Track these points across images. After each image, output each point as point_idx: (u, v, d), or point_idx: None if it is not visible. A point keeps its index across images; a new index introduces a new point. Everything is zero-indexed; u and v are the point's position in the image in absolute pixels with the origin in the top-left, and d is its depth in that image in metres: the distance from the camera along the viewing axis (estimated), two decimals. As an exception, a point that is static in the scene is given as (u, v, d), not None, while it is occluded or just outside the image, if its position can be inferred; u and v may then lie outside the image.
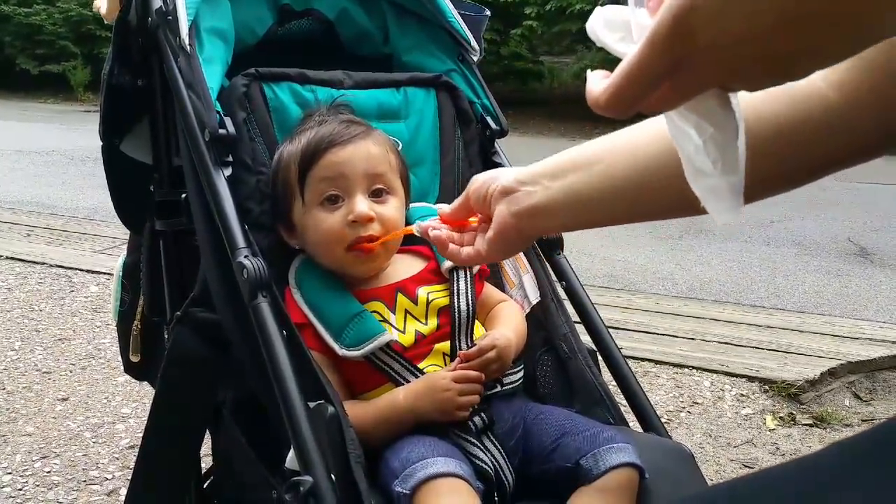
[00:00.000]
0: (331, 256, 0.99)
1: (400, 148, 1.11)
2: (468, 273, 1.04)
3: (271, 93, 1.08)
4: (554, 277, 1.17)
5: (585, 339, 1.12)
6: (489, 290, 1.10)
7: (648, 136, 0.69)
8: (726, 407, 2.21)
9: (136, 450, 1.09)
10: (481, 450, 0.91)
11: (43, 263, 3.31)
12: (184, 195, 1.08)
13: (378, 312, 0.98)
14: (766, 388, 2.30)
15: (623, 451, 0.87)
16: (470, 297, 1.02)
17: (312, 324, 0.96)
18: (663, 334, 2.67)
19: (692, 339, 2.64)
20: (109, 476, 1.78)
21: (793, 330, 2.73)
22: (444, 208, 0.85)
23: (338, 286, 1.00)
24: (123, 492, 1.60)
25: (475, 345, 0.96)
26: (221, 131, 0.98)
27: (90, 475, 1.78)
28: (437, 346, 0.99)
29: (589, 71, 0.48)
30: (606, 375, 1.10)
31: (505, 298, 1.11)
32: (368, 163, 0.99)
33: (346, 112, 1.07)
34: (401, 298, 1.00)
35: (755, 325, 2.79)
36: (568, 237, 1.18)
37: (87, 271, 3.22)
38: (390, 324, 0.98)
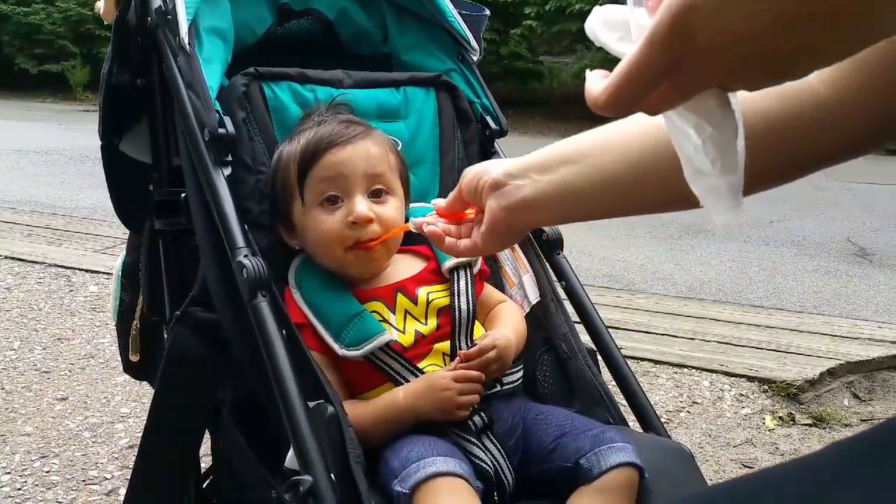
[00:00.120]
0: (330, 257, 0.99)
1: (400, 148, 1.11)
2: (469, 273, 1.04)
3: (271, 92, 1.08)
4: (554, 277, 1.17)
5: (585, 338, 1.12)
6: (489, 290, 1.09)
7: (640, 129, 0.69)
8: (726, 407, 2.22)
9: (136, 449, 1.09)
10: (481, 449, 0.91)
11: (42, 263, 3.31)
12: (183, 195, 1.08)
13: (378, 312, 0.98)
14: (766, 387, 2.30)
15: (623, 451, 0.87)
16: (470, 297, 1.02)
17: (312, 324, 0.96)
18: (663, 334, 2.67)
19: (692, 338, 2.64)
20: (108, 476, 1.78)
21: (792, 330, 2.74)
22: (440, 202, 0.85)
23: (337, 286, 1.00)
24: (122, 491, 1.60)
25: (475, 345, 0.96)
26: (221, 131, 0.98)
27: (89, 475, 1.78)
28: (436, 346, 0.99)
29: (588, 71, 0.47)
30: (606, 375, 1.10)
31: (505, 299, 1.11)
32: (368, 163, 0.99)
33: (346, 111, 1.07)
34: (401, 298, 1.00)
35: (754, 325, 2.79)
36: (568, 237, 1.18)
37: (87, 271, 3.22)
38: (390, 324, 0.98)
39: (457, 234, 0.83)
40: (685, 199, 0.52)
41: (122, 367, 1.35)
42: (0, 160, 5.94)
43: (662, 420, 1.08)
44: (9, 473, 1.77)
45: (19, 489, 1.71)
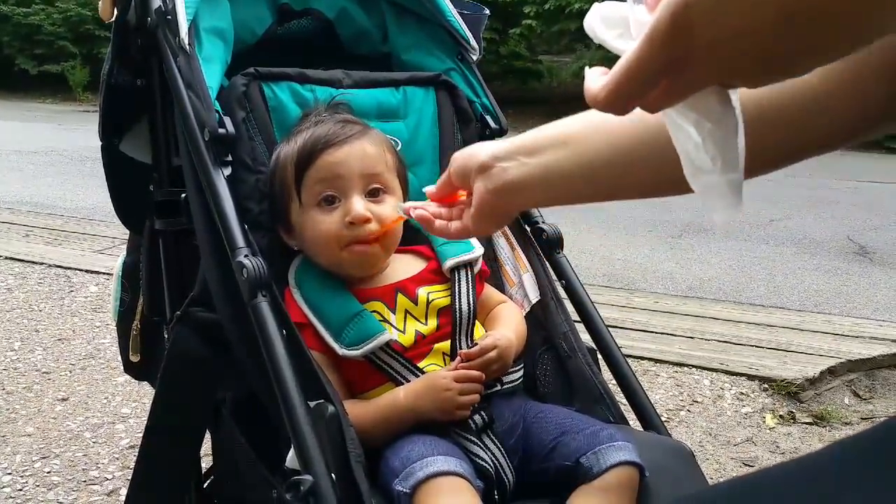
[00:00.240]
0: (328, 256, 0.99)
1: (399, 147, 1.11)
2: (469, 273, 1.04)
3: (270, 92, 1.08)
4: (554, 276, 1.17)
5: (585, 337, 1.12)
6: (489, 290, 1.10)
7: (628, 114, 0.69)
8: (726, 405, 2.22)
9: (136, 450, 1.09)
10: (481, 448, 0.91)
11: (42, 263, 3.31)
12: (183, 195, 1.08)
13: (378, 312, 0.98)
14: (766, 386, 2.30)
15: (623, 450, 0.87)
16: (471, 297, 1.02)
17: (312, 323, 0.96)
18: (663, 333, 2.67)
19: (692, 337, 2.64)
20: (109, 476, 1.78)
21: (792, 328, 2.74)
22: (431, 188, 0.85)
23: (337, 286, 1.00)
24: (123, 492, 1.60)
25: (476, 345, 0.96)
26: (221, 131, 0.98)
27: (90, 475, 1.78)
28: (436, 345, 0.99)
29: (587, 68, 0.47)
30: (606, 374, 1.10)
31: (505, 299, 1.11)
32: (364, 163, 0.99)
33: (345, 111, 1.07)
34: (401, 298, 1.00)
35: (755, 323, 2.79)
36: (567, 236, 1.18)
37: (87, 271, 3.22)
38: (390, 324, 0.98)
39: (448, 216, 0.83)
40: (672, 184, 0.51)
41: (122, 367, 1.35)
42: None
43: (663, 419, 1.08)
44: (10, 474, 1.77)
45: (20, 490, 1.71)
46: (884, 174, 6.49)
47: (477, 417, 0.93)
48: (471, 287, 1.03)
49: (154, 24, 1.05)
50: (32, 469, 1.80)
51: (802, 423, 2.14)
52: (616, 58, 0.44)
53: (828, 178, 5.97)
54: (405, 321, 0.99)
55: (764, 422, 2.13)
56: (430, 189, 0.85)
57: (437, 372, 0.94)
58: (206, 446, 1.13)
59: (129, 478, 1.10)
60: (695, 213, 4.59)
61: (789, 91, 0.60)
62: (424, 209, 0.84)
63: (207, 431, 1.10)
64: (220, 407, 1.05)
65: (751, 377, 2.34)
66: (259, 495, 0.93)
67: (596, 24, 0.46)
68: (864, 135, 0.63)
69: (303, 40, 1.25)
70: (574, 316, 1.14)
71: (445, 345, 0.99)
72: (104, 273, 3.15)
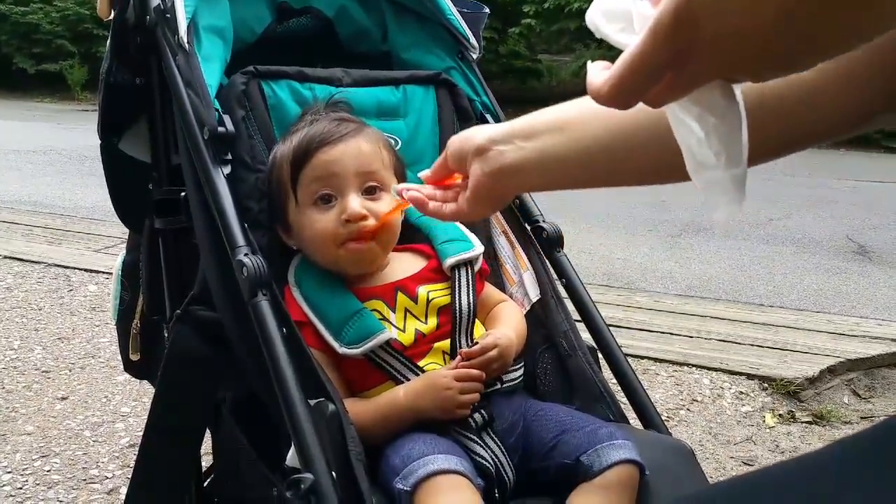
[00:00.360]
0: (326, 255, 0.99)
1: (399, 146, 1.11)
2: (469, 272, 1.04)
3: (270, 91, 1.08)
4: (554, 275, 1.17)
5: (585, 336, 1.12)
6: (490, 289, 1.09)
7: None
8: (726, 405, 2.22)
9: (136, 448, 1.09)
10: (482, 446, 0.91)
11: (41, 263, 3.31)
12: (183, 193, 1.08)
13: (378, 311, 0.98)
14: (766, 385, 2.30)
15: (623, 448, 0.87)
16: (471, 296, 1.01)
17: (312, 322, 0.96)
18: (663, 332, 2.67)
19: (691, 336, 2.64)
20: (109, 475, 1.78)
21: (792, 328, 2.74)
22: (426, 172, 0.85)
23: (337, 284, 1.00)
24: (123, 490, 1.60)
25: (476, 343, 0.96)
26: (220, 129, 0.98)
27: (90, 474, 1.78)
28: (436, 344, 0.98)
29: (589, 62, 0.47)
30: (607, 373, 1.10)
31: (505, 298, 1.11)
32: (359, 160, 0.99)
33: (344, 109, 1.07)
34: (401, 297, 1.00)
35: (754, 322, 2.79)
36: (567, 235, 1.18)
37: (86, 270, 3.22)
38: (390, 322, 0.98)
39: (442, 198, 0.83)
40: (671, 170, 0.51)
41: (122, 366, 1.35)
42: (-1, 160, 5.94)
43: (662, 418, 1.08)
44: (10, 472, 1.77)
45: (20, 488, 1.71)
46: (883, 174, 6.49)
47: (477, 416, 0.93)
48: (471, 286, 1.02)
49: (153, 23, 1.05)
50: (32, 467, 1.79)
51: (802, 422, 2.14)
52: (618, 54, 0.44)
53: (827, 177, 5.97)
54: (405, 320, 0.99)
55: (764, 421, 2.14)
56: (425, 173, 0.85)
57: (437, 371, 0.94)
58: (207, 445, 1.13)
59: (129, 476, 1.10)
60: (695, 212, 4.59)
61: (786, 82, 0.60)
62: (419, 191, 0.84)
63: (208, 430, 1.10)
64: (220, 406, 1.05)
65: (750, 376, 2.34)
66: (259, 494, 0.93)
67: (598, 18, 0.46)
68: (858, 130, 0.63)
69: (302, 39, 1.24)
70: (574, 315, 1.14)
71: (445, 343, 0.99)
72: (103, 272, 3.15)
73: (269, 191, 1.02)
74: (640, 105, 0.44)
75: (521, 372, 1.04)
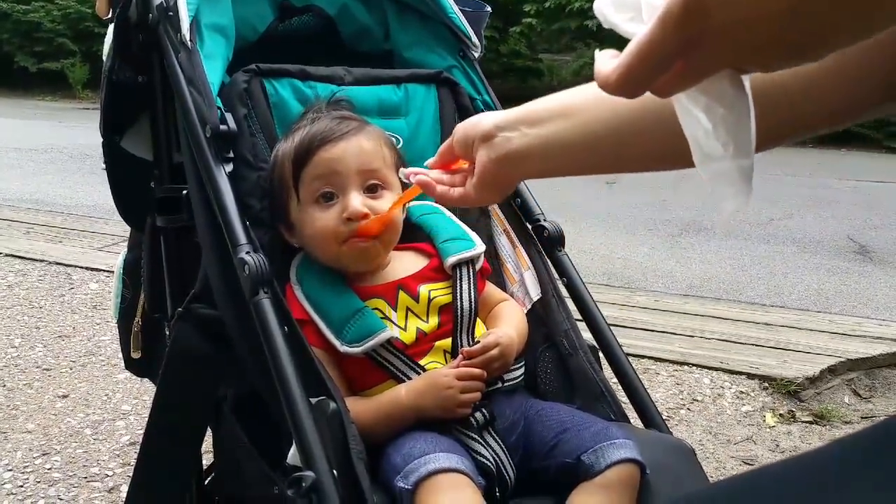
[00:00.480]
0: (327, 253, 0.99)
1: (400, 145, 1.11)
2: (471, 271, 1.04)
3: (272, 89, 1.08)
4: (555, 274, 1.17)
5: (586, 335, 1.12)
6: (491, 288, 1.09)
7: None
8: (726, 404, 2.22)
9: (137, 446, 1.09)
10: (483, 445, 0.91)
11: (42, 261, 3.31)
12: (185, 191, 1.08)
13: (379, 310, 0.98)
14: (766, 385, 2.30)
15: (624, 448, 0.87)
16: (472, 295, 1.01)
17: (313, 320, 0.96)
18: (663, 332, 2.67)
19: (692, 336, 2.64)
20: (110, 473, 1.78)
21: (792, 327, 2.74)
22: (431, 159, 0.86)
23: (339, 283, 1.00)
24: (124, 488, 1.61)
25: (477, 342, 0.96)
26: (222, 127, 0.98)
27: (91, 472, 1.78)
28: (438, 343, 0.98)
29: (597, 51, 0.47)
30: (608, 372, 1.10)
31: (506, 297, 1.11)
32: (361, 159, 0.99)
33: (346, 107, 1.07)
34: (402, 296, 1.00)
35: (755, 322, 2.79)
36: (567, 235, 1.18)
37: (87, 268, 3.22)
38: (391, 321, 0.98)
39: (450, 182, 0.83)
40: (676, 156, 0.51)
41: (123, 364, 1.35)
42: None
43: (663, 417, 1.08)
44: (10, 470, 1.77)
45: (21, 486, 1.71)
46: (884, 174, 6.49)
47: (478, 415, 0.93)
48: (472, 284, 1.02)
49: (155, 21, 1.05)
50: (33, 465, 1.80)
51: (802, 421, 2.14)
52: (623, 45, 0.43)
53: (828, 177, 5.97)
54: (406, 318, 0.99)
55: (764, 420, 2.14)
56: (431, 160, 0.85)
57: (438, 370, 0.94)
58: (207, 443, 1.13)
59: (130, 475, 1.10)
60: (695, 212, 4.59)
61: (788, 73, 0.60)
62: (426, 174, 0.84)
63: (209, 428, 1.10)
64: (221, 404, 1.05)
65: (751, 376, 2.34)
66: (260, 492, 0.93)
67: (606, 7, 0.45)
68: (853, 122, 0.63)
69: (304, 37, 1.24)
70: (575, 314, 1.14)
71: (447, 342, 0.99)
72: (104, 270, 3.15)
73: (271, 189, 1.02)
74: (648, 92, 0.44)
75: (522, 371, 1.04)
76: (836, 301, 3.20)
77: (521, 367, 1.04)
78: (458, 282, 1.02)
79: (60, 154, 6.27)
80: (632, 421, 1.07)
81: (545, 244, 1.17)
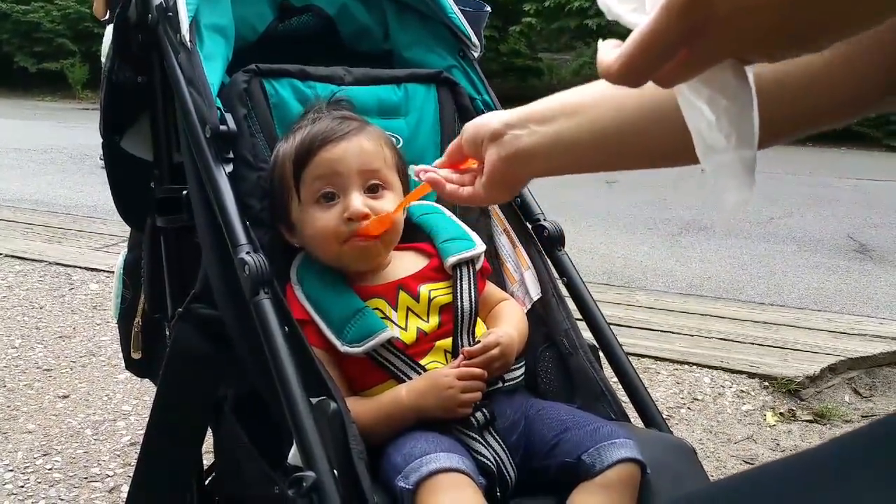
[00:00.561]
0: (328, 252, 0.99)
1: (400, 145, 1.11)
2: (471, 271, 1.04)
3: (272, 89, 1.08)
4: (555, 273, 1.17)
5: (587, 335, 1.12)
6: (491, 288, 1.09)
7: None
8: (726, 403, 2.22)
9: (138, 446, 1.10)
10: (483, 445, 0.91)
11: (42, 261, 3.31)
12: (185, 192, 1.08)
13: (380, 310, 0.98)
14: (767, 384, 2.30)
15: (624, 447, 0.87)
16: (472, 295, 1.01)
17: (314, 320, 0.96)
18: (663, 331, 2.67)
19: (692, 335, 2.64)
20: (111, 473, 1.78)
21: (793, 326, 2.74)
22: (440, 160, 0.86)
23: (339, 283, 1.00)
24: (125, 488, 1.61)
25: (478, 342, 0.96)
26: (222, 128, 0.98)
27: (91, 472, 1.78)
28: (438, 343, 0.99)
29: (600, 41, 0.46)
30: (608, 371, 1.10)
31: (507, 297, 1.11)
32: (362, 159, 0.99)
33: (346, 106, 1.07)
34: (402, 295, 1.00)
35: (755, 321, 2.79)
36: (567, 234, 1.18)
37: (87, 269, 3.22)
38: (392, 321, 0.98)
39: (459, 181, 0.83)
40: (685, 152, 0.51)
41: (123, 364, 1.35)
42: None
43: (663, 416, 1.08)
44: (11, 471, 1.77)
45: (22, 486, 1.72)
46: (884, 172, 6.49)
47: (479, 414, 0.93)
48: (472, 284, 1.03)
49: (155, 21, 1.05)
50: (34, 466, 1.80)
51: (803, 420, 2.14)
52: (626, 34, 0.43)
53: (828, 176, 5.97)
54: (407, 318, 0.99)
55: (764, 419, 2.14)
56: (440, 161, 0.86)
57: (439, 370, 0.94)
58: (208, 443, 1.13)
59: (131, 475, 1.10)
60: (695, 211, 4.59)
61: (791, 65, 0.60)
62: (436, 172, 0.84)
63: (209, 428, 1.10)
64: (221, 404, 1.05)
65: (751, 375, 2.34)
66: (260, 492, 0.93)
67: None
68: (854, 118, 0.63)
69: (304, 37, 1.24)
70: (575, 313, 1.14)
71: (447, 342, 0.99)
72: (104, 271, 3.15)
73: (272, 189, 1.02)
74: (648, 90, 0.44)
75: (522, 371, 1.04)
76: (836, 300, 3.20)
77: (521, 366, 1.04)
78: (459, 281, 1.02)
79: (60, 154, 6.27)
80: (632, 420, 1.07)
81: (545, 244, 1.17)
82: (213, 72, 1.03)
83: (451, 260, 1.03)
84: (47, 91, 11.65)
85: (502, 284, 1.15)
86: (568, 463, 0.88)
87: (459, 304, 1.00)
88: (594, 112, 0.71)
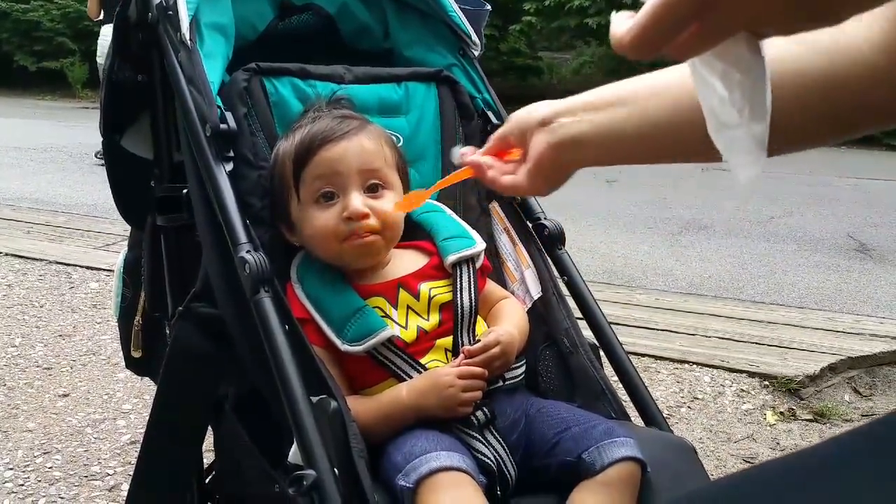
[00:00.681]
0: (328, 251, 0.99)
1: (401, 143, 1.11)
2: (471, 269, 1.04)
3: (272, 87, 1.08)
4: (555, 272, 1.17)
5: (587, 333, 1.12)
6: (491, 286, 1.09)
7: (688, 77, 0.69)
8: (726, 402, 2.22)
9: (138, 445, 1.10)
10: (483, 444, 0.91)
11: (43, 260, 3.31)
12: (185, 190, 1.08)
13: (380, 308, 0.98)
14: (767, 383, 2.30)
15: (625, 446, 0.87)
16: (473, 293, 1.01)
17: (314, 319, 0.96)
18: (663, 330, 2.67)
19: (692, 334, 2.64)
20: (111, 471, 1.78)
21: (793, 325, 2.74)
22: (466, 150, 0.85)
23: (340, 281, 1.00)
24: (125, 487, 1.61)
25: (478, 341, 0.96)
26: (222, 126, 0.98)
27: (91, 470, 1.78)
28: (438, 341, 0.99)
29: (613, 13, 0.46)
30: (608, 370, 1.10)
31: (507, 295, 1.11)
32: (362, 158, 0.99)
33: (347, 105, 1.07)
34: (402, 294, 1.00)
35: (755, 320, 2.79)
36: (567, 233, 1.18)
37: (87, 268, 3.22)
38: (392, 319, 0.98)
39: (500, 169, 0.82)
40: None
41: (123, 363, 1.35)
42: None
43: (664, 415, 1.08)
44: (12, 469, 1.77)
45: (22, 485, 1.72)
46: (884, 171, 6.49)
47: (479, 413, 0.93)
48: (472, 283, 1.02)
49: (155, 20, 1.05)
50: (34, 464, 1.80)
51: (803, 419, 2.14)
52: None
53: (828, 175, 5.97)
54: (407, 317, 0.99)
55: (764, 419, 2.14)
56: (482, 150, 0.84)
57: (439, 369, 0.94)
58: (208, 442, 1.13)
59: (131, 473, 1.11)
60: (695, 210, 4.59)
61: (844, 64, 0.59)
62: (477, 156, 0.83)
63: (210, 427, 1.10)
64: (221, 402, 1.05)
65: (751, 374, 2.34)
66: (261, 490, 0.93)
67: None
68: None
69: (304, 36, 1.24)
70: (576, 312, 1.14)
71: (447, 341, 0.99)
72: (105, 269, 3.15)
73: (272, 188, 1.02)
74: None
75: (522, 369, 1.04)
76: (836, 299, 3.20)
77: (521, 365, 1.04)
78: (459, 280, 1.02)
79: (60, 153, 6.27)
80: (632, 419, 1.07)
81: (545, 242, 1.17)
82: (214, 70, 1.03)
83: (452, 258, 1.03)
84: (47, 90, 11.65)
85: (503, 283, 1.15)
86: (568, 462, 0.89)
87: (459, 302, 1.00)
88: (648, 104, 0.70)
